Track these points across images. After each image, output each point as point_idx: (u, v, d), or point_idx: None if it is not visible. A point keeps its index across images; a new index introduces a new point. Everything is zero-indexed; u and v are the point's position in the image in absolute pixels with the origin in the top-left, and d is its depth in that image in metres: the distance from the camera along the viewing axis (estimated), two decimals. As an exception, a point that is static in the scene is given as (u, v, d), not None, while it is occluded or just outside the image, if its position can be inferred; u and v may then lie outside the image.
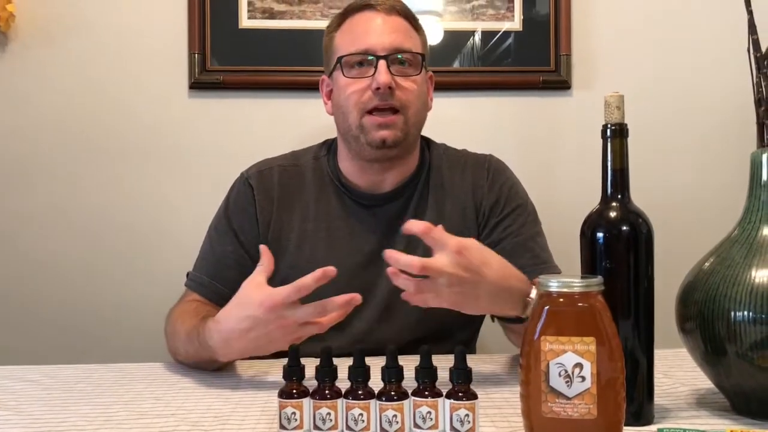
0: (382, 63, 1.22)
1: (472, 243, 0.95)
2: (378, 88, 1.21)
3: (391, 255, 0.93)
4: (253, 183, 1.32)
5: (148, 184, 1.77)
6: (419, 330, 1.26)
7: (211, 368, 1.11)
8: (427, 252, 1.28)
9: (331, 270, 0.97)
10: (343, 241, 1.30)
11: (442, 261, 0.92)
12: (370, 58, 1.23)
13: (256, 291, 1.01)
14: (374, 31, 1.24)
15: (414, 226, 0.94)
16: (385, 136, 1.23)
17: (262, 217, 1.30)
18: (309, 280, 0.97)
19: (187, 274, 1.31)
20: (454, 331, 1.29)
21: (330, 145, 1.37)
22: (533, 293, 1.00)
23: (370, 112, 1.23)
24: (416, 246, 1.30)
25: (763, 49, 0.89)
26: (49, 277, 1.75)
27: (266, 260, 1.04)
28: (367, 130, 1.24)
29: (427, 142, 1.39)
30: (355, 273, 1.29)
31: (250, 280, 1.03)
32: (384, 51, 1.23)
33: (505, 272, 0.98)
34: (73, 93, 1.75)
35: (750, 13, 0.89)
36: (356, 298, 0.99)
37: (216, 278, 1.26)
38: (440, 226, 0.96)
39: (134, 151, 1.76)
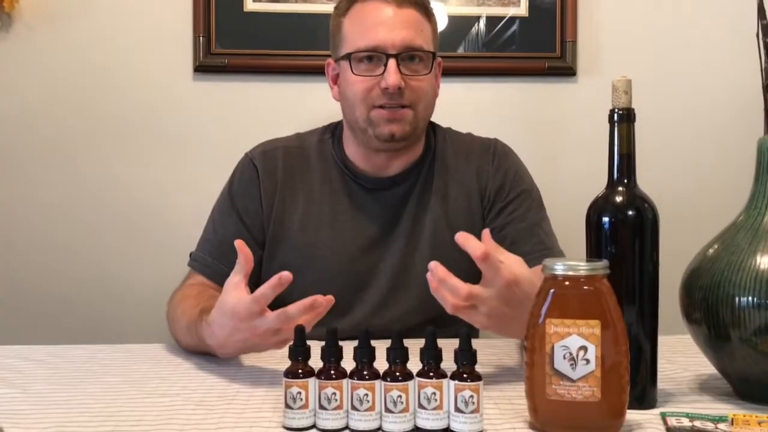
0: (392, 62, 1.20)
1: (523, 277, 0.88)
2: (387, 88, 1.20)
3: (437, 271, 0.88)
4: (257, 163, 1.32)
5: (152, 167, 1.77)
6: (422, 313, 1.26)
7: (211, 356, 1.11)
8: (432, 242, 1.28)
9: (286, 276, 0.92)
10: (347, 224, 1.30)
11: (489, 293, 0.87)
12: (380, 55, 1.21)
13: (230, 297, 0.96)
14: (385, 24, 1.21)
15: (473, 249, 0.86)
16: (394, 130, 1.22)
17: (266, 198, 1.30)
18: (266, 290, 0.92)
19: (191, 254, 1.31)
20: (458, 317, 1.30)
21: (335, 129, 1.37)
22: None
23: (377, 106, 1.22)
24: (419, 233, 1.30)
25: (772, 35, 0.88)
26: (54, 261, 1.75)
27: (242, 258, 0.97)
28: (375, 124, 1.23)
29: (432, 127, 1.38)
30: (357, 257, 1.29)
31: (229, 281, 0.98)
32: (394, 49, 1.20)
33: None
34: (77, 75, 1.75)
35: (759, -2, 0.89)
36: (319, 300, 0.93)
37: (220, 259, 1.26)
38: (496, 248, 0.91)
39: (138, 134, 1.76)
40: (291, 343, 0.81)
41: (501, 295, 0.87)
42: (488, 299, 0.88)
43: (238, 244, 0.98)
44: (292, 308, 0.92)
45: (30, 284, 1.75)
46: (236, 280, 0.97)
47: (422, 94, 1.24)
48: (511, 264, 0.89)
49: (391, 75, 1.19)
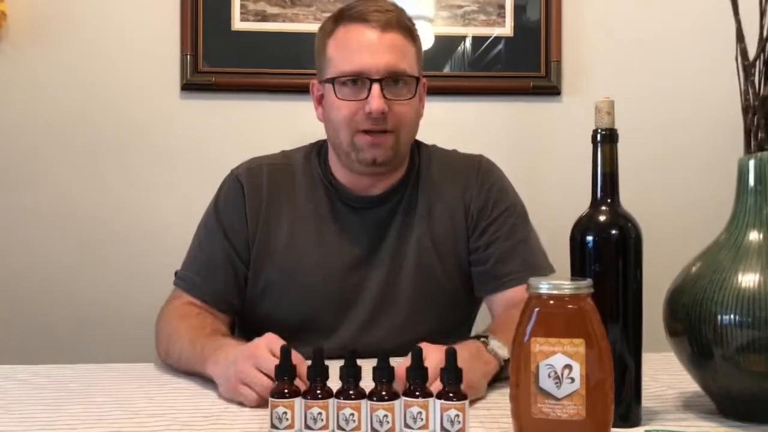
0: (375, 87, 1.19)
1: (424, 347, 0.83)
2: (371, 113, 1.20)
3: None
4: (242, 180, 1.31)
5: (139, 185, 1.77)
6: (409, 333, 1.26)
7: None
8: (417, 260, 1.29)
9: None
10: (332, 242, 1.30)
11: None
12: (363, 80, 1.21)
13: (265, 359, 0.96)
14: (369, 49, 1.21)
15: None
16: (376, 155, 1.23)
17: (252, 216, 1.29)
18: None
19: (176, 273, 1.31)
20: (445, 334, 1.30)
21: (320, 147, 1.37)
22: (492, 345, 1.03)
23: (361, 131, 1.22)
24: (405, 252, 1.30)
25: (751, 57, 0.90)
26: (38, 277, 1.74)
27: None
28: (359, 149, 1.23)
29: (417, 145, 1.38)
30: (342, 275, 1.29)
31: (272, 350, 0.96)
32: (378, 74, 1.20)
33: (471, 374, 0.91)
34: (65, 93, 1.75)
35: (738, 21, 0.91)
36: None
37: (207, 278, 1.26)
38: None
39: (125, 151, 1.76)
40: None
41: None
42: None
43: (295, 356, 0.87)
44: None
45: (11, 301, 1.74)
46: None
47: (405, 118, 1.24)
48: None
49: (375, 100, 1.19)
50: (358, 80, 1.21)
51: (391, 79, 1.22)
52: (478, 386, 0.97)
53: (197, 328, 1.15)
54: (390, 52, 1.22)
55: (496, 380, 1.03)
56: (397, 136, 1.24)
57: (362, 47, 1.22)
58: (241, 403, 0.95)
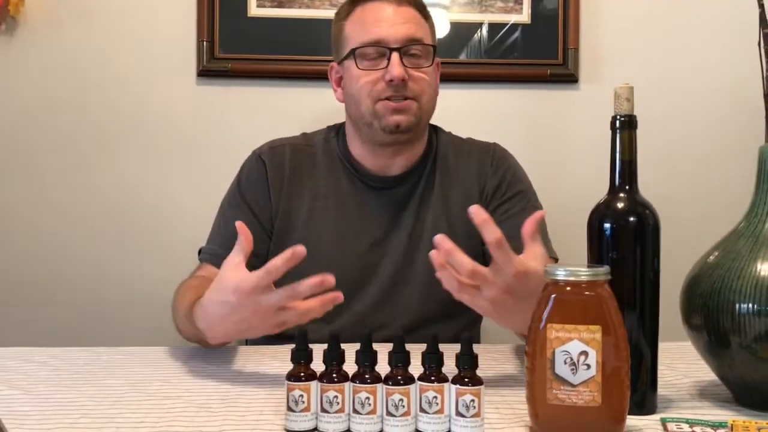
0: (395, 55, 1.23)
1: (535, 272, 0.86)
2: (392, 80, 1.22)
3: (444, 244, 0.86)
4: (265, 159, 1.34)
5: (155, 171, 1.77)
6: (421, 311, 1.28)
7: (209, 347, 1.11)
8: (430, 239, 1.28)
9: (300, 250, 0.90)
10: (352, 220, 1.32)
11: (496, 278, 0.86)
12: (383, 49, 1.24)
13: (231, 274, 0.95)
14: (386, 21, 1.25)
15: (489, 233, 0.86)
16: (399, 120, 1.24)
17: (274, 192, 1.32)
18: (279, 262, 0.91)
19: (200, 250, 1.32)
20: (457, 313, 1.30)
21: (339, 129, 1.39)
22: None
23: (383, 98, 1.25)
24: (421, 231, 1.31)
25: (773, 44, 0.89)
26: (56, 262, 1.76)
27: (243, 240, 0.96)
28: (381, 115, 1.25)
29: (434, 129, 1.41)
30: (360, 253, 1.31)
31: (228, 260, 0.97)
32: (397, 43, 1.24)
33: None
34: (81, 78, 1.76)
35: (761, 6, 0.89)
36: (328, 279, 0.91)
37: (230, 248, 1.26)
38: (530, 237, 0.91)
39: (142, 138, 1.77)
40: (289, 326, 0.80)
41: (507, 285, 0.86)
42: (493, 285, 0.87)
43: (239, 225, 0.96)
44: (301, 285, 0.91)
45: (31, 285, 1.76)
46: (237, 260, 0.95)
47: (425, 85, 1.27)
48: (527, 257, 0.89)
49: (395, 67, 1.22)
50: (377, 51, 1.25)
51: (409, 49, 1.25)
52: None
53: (189, 302, 1.11)
54: (407, 22, 1.26)
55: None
56: (419, 103, 1.26)
57: (379, 19, 1.26)
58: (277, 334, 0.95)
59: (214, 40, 1.75)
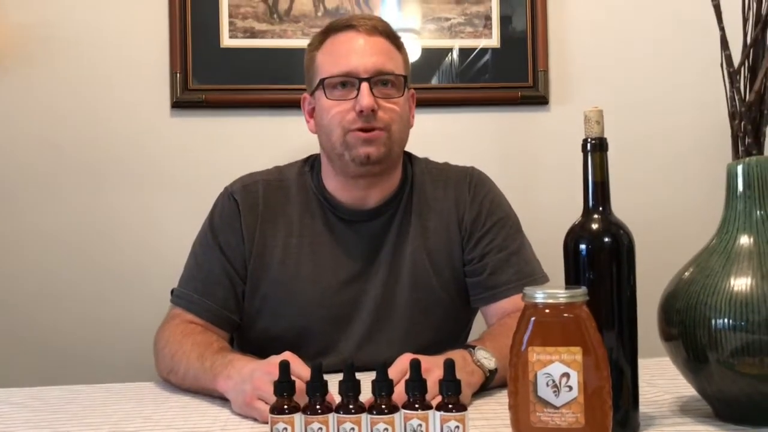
0: (364, 86, 1.22)
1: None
2: (361, 111, 1.21)
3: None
4: (237, 197, 1.32)
5: (131, 204, 1.76)
6: (407, 345, 1.26)
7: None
8: (412, 273, 1.29)
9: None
10: (327, 257, 1.30)
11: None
12: (353, 80, 1.23)
13: (264, 381, 0.94)
14: (356, 52, 1.25)
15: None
16: (369, 152, 1.23)
17: (247, 231, 1.29)
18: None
19: (172, 291, 1.31)
20: (442, 346, 1.30)
21: (313, 162, 1.38)
22: (478, 356, 1.04)
23: (353, 129, 1.24)
24: (401, 265, 1.31)
25: (735, 64, 0.91)
26: (32, 297, 1.73)
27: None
28: (351, 146, 1.24)
29: (409, 158, 1.39)
30: (338, 290, 1.29)
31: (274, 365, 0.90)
32: (366, 73, 1.23)
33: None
34: (56, 112, 1.75)
35: (722, 29, 0.92)
36: None
37: (206, 295, 1.26)
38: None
39: (117, 171, 1.76)
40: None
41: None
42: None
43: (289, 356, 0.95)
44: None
45: (5, 322, 1.73)
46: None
47: (395, 116, 1.26)
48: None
49: (365, 97, 1.21)
50: (347, 82, 1.24)
51: (380, 80, 1.25)
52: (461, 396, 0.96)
53: (204, 344, 1.15)
54: (377, 54, 1.26)
55: (483, 390, 1.03)
56: (389, 133, 1.25)
57: (350, 51, 1.26)
58: (254, 419, 0.94)
59: (187, 71, 1.76)
